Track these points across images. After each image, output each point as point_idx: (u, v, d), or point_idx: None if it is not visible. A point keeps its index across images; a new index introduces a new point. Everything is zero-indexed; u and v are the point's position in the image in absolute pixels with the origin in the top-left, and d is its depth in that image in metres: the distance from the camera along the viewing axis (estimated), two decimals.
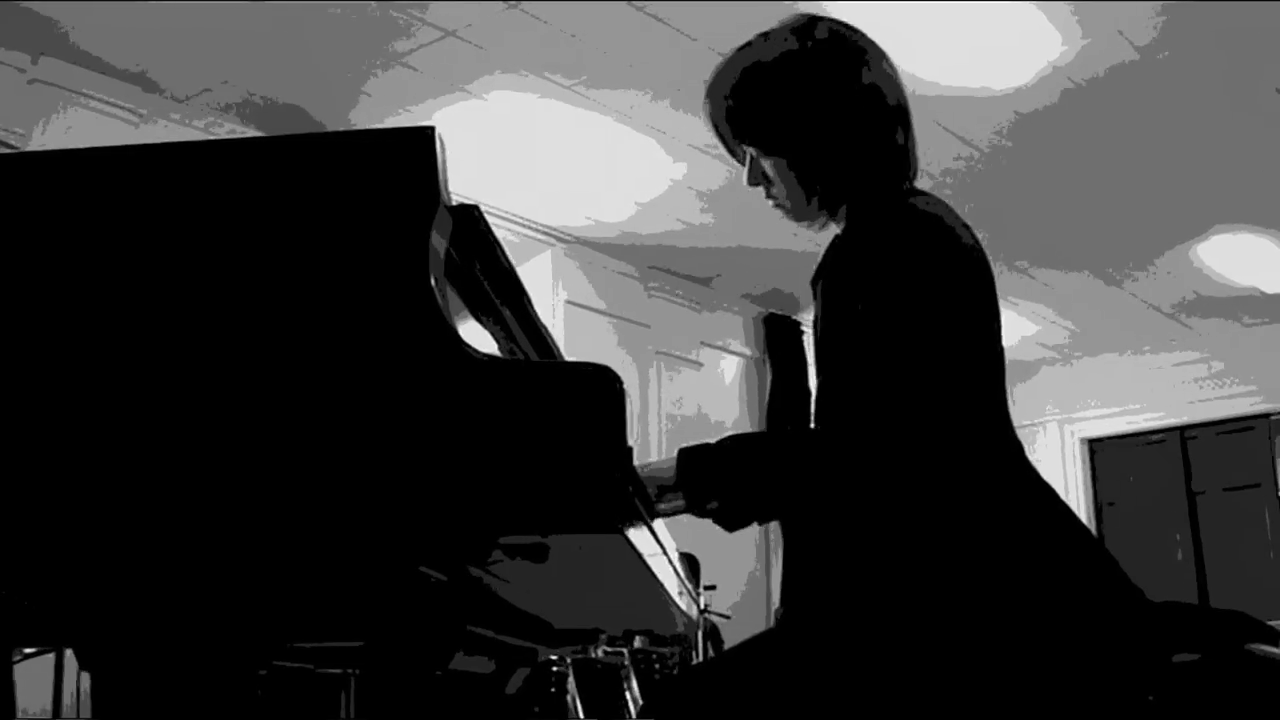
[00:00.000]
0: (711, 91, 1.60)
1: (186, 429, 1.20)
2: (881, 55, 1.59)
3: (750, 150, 1.59)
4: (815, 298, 1.60)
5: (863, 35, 1.60)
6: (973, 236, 1.51)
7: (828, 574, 1.52)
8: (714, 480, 1.45)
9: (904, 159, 1.58)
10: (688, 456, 1.46)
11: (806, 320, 7.05)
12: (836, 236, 1.63)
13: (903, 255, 1.43)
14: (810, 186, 1.57)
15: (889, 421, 1.38)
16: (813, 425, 1.54)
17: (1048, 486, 1.49)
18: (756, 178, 1.60)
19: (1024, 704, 1.34)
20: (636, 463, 1.42)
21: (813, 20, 1.59)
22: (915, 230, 1.46)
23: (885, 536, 1.44)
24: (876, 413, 1.39)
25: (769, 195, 1.61)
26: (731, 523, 1.47)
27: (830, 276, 1.55)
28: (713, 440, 1.48)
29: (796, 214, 1.62)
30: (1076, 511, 1.52)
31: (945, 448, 1.41)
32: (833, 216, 1.61)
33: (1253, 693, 1.35)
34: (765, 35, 1.59)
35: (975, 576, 1.38)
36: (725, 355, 6.88)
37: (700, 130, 4.67)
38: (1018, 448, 1.50)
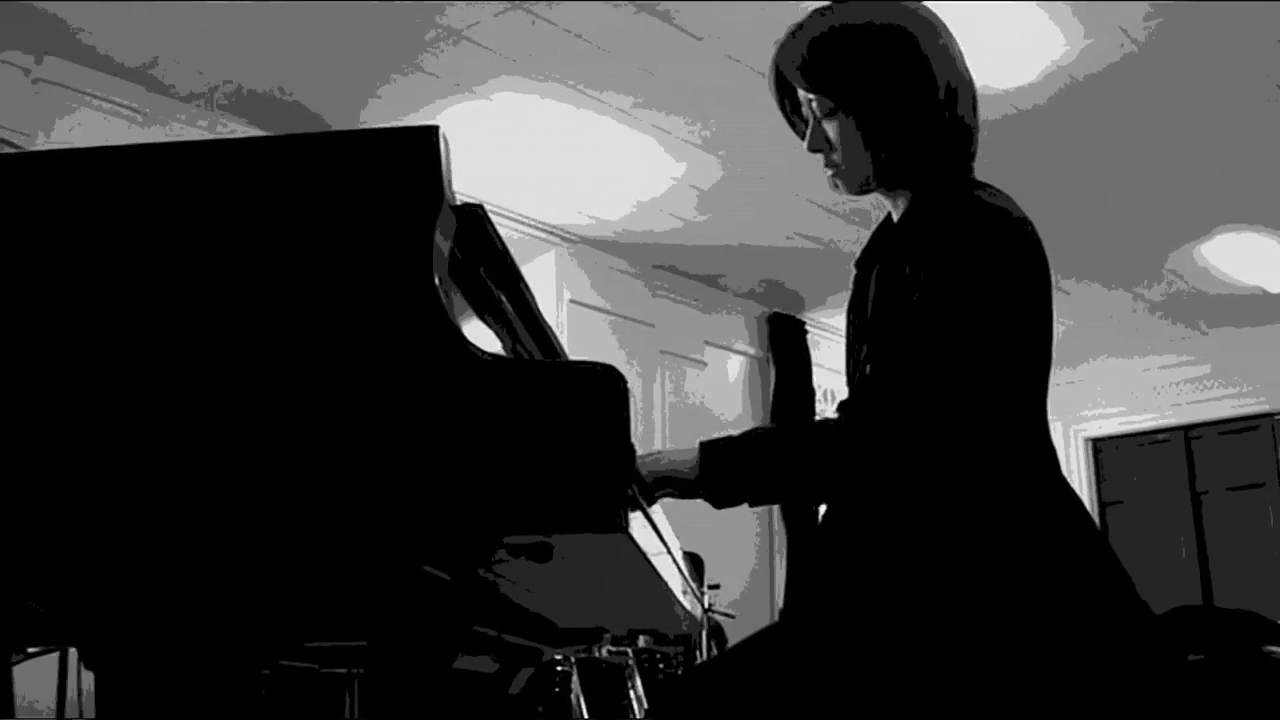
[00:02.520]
0: (784, 50, 1.58)
1: (192, 429, 1.20)
2: (951, 33, 1.58)
3: (818, 107, 1.56)
4: (869, 282, 1.59)
5: (935, 14, 1.59)
6: (1034, 230, 1.49)
7: (839, 571, 1.51)
8: (743, 480, 1.42)
9: (970, 139, 1.58)
10: (713, 453, 1.43)
11: (810, 319, 7.04)
12: (889, 219, 1.62)
13: (971, 253, 1.42)
14: (877, 151, 1.54)
15: (934, 423, 1.38)
16: (851, 410, 1.53)
17: (1075, 498, 1.48)
18: (819, 143, 1.57)
19: (1033, 709, 1.33)
20: (648, 451, 1.40)
21: None
22: (985, 228, 1.44)
23: (906, 536, 1.43)
24: (924, 412, 1.38)
25: (828, 163, 1.59)
26: (724, 504, 1.45)
27: (888, 262, 1.54)
28: (734, 434, 1.45)
29: (852, 181, 1.59)
30: None
31: (984, 454, 1.41)
32: (889, 190, 1.59)
33: (1274, 695, 1.35)
34: (843, 3, 1.58)
35: (993, 584, 1.37)
36: (730, 354, 6.87)
37: (701, 130, 4.73)
38: (1052, 456, 1.49)
